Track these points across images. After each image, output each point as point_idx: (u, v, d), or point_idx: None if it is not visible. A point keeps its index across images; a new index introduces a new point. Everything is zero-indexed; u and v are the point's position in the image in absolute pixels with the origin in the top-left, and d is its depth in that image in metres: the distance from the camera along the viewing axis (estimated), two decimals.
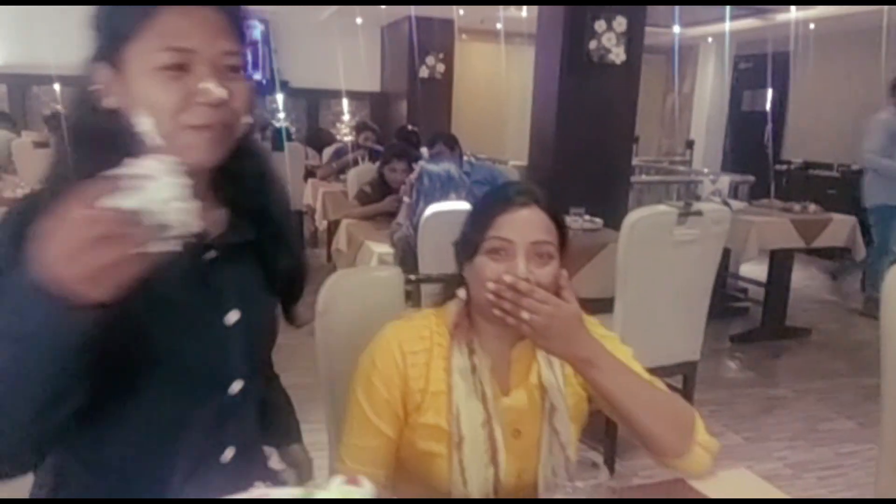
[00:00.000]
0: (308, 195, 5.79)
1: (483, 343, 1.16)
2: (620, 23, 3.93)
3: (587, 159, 3.99)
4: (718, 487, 1.07)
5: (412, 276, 1.38)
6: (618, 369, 1.06)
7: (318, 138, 7.53)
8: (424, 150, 4.17)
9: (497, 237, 1.12)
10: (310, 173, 6.30)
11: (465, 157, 4.08)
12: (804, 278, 5.54)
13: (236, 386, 0.94)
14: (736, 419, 3.19)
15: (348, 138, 7.30)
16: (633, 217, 2.44)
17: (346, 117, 8.86)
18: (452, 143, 4.02)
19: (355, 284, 1.35)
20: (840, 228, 4.16)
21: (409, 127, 5.36)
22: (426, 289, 1.77)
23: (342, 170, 5.58)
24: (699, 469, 1.06)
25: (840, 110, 7.18)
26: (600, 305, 2.88)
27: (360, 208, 3.75)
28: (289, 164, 5.92)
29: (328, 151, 6.35)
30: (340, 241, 3.61)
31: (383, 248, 2.88)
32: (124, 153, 0.77)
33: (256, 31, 8.32)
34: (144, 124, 0.83)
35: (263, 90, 8.47)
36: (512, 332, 1.11)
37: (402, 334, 1.15)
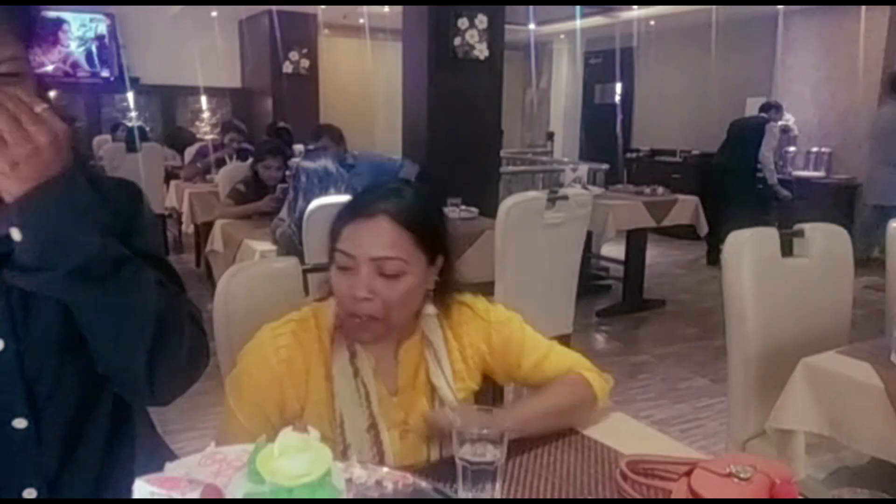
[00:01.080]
0: (171, 197, 5.52)
1: (364, 345, 1.12)
2: (482, 20, 4.10)
3: (459, 152, 4.13)
4: (600, 431, 1.19)
5: (306, 266, 1.39)
6: (536, 416, 1.12)
7: (177, 137, 7.17)
8: (299, 147, 4.13)
9: (340, 250, 1.07)
10: (170, 175, 6.01)
11: (347, 152, 4.07)
12: (656, 255, 6.04)
13: (20, 423, 0.86)
14: None
15: (210, 137, 7.02)
16: (508, 203, 2.59)
17: (206, 115, 8.50)
18: (338, 137, 4.00)
19: (253, 277, 1.34)
20: (685, 208, 4.60)
21: (281, 124, 5.25)
22: (314, 280, 1.79)
23: (208, 170, 5.38)
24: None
25: (680, 101, 7.88)
26: (483, 288, 3.02)
27: (236, 207, 3.65)
28: (144, 165, 5.60)
29: (190, 151, 6.08)
30: (216, 242, 3.50)
31: (265, 246, 2.85)
32: None
33: (101, 25, 7.79)
34: None
35: (112, 87, 7.95)
36: (355, 340, 1.10)
37: (279, 339, 1.09)
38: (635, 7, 6.90)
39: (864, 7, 5.93)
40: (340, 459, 1.05)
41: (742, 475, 0.95)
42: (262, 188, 3.67)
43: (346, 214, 1.09)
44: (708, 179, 6.18)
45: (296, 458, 0.52)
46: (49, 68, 7.51)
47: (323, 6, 7.35)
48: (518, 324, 1.24)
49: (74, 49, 7.72)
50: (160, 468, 1.03)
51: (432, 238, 1.10)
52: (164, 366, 0.85)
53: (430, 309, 1.16)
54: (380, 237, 1.06)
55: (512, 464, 1.04)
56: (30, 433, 0.86)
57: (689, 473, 1.00)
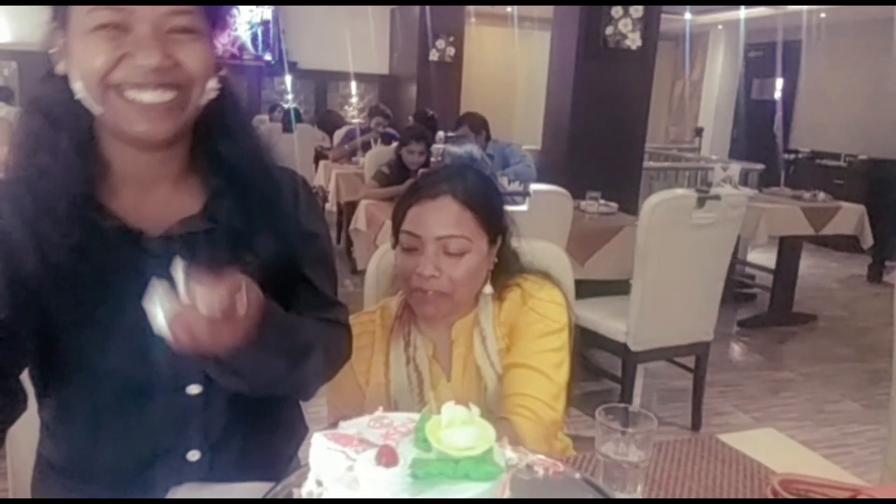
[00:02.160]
0: (320, 177, 5.83)
1: (423, 330, 1.18)
2: (637, 9, 3.96)
3: (601, 144, 4.03)
4: (748, 443, 1.12)
5: None
6: None
7: (327, 120, 7.56)
8: (441, 134, 4.21)
9: (406, 231, 1.11)
10: (320, 155, 6.34)
11: (490, 139, 4.13)
12: (810, 266, 5.61)
13: (194, 388, 0.91)
14: (744, 400, 3.26)
15: (356, 120, 7.31)
16: (654, 200, 2.50)
17: (355, 100, 8.87)
18: (478, 126, 4.05)
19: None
20: (849, 217, 4.22)
21: (429, 111, 5.40)
22: None
23: (354, 152, 5.62)
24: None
25: (849, 101, 7.22)
26: (616, 286, 2.96)
27: (380, 189, 3.80)
28: (298, 146, 5.97)
29: (339, 133, 6.38)
30: (359, 220, 3.66)
31: None
32: (73, 124, 0.80)
33: (267, 11, 8.32)
34: (79, 90, 0.79)
35: (272, 71, 8.48)
36: (419, 315, 1.15)
37: (353, 328, 1.10)
38: None
39: None
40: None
41: None
42: (404, 172, 3.79)
43: (410, 197, 1.13)
44: (879, 187, 5.62)
45: (462, 430, 0.54)
46: (219, 50, 8.13)
47: None
48: (541, 316, 1.15)
49: (242, 32, 8.32)
50: (295, 435, 1.14)
51: (493, 218, 1.14)
52: (315, 386, 0.98)
53: (488, 288, 1.17)
54: (444, 216, 1.09)
55: (654, 467, 1.02)
56: (201, 399, 0.91)
57: (851, 500, 0.93)
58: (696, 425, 2.88)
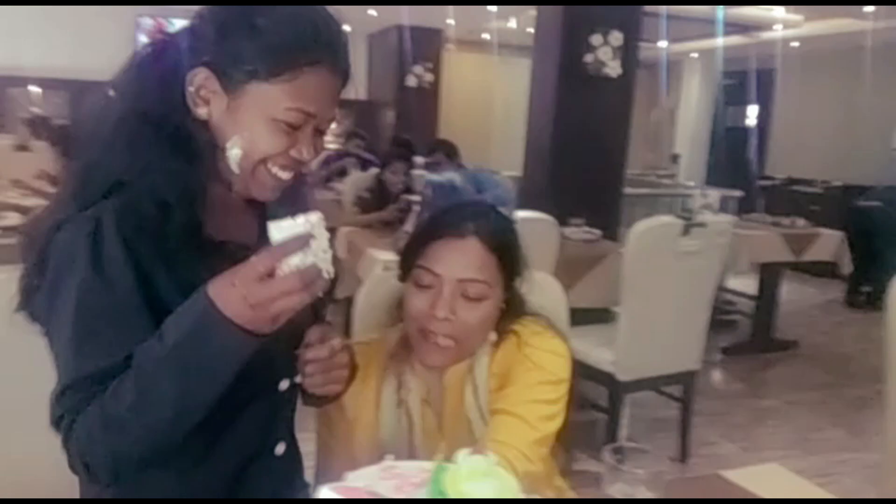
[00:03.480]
0: None
1: (417, 371, 1.10)
2: (617, 37, 4.00)
3: (583, 171, 4.03)
4: (753, 480, 1.09)
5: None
6: None
7: None
8: (420, 159, 4.18)
9: (423, 267, 1.04)
10: None
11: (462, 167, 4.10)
12: (789, 292, 5.64)
13: (284, 384, 0.96)
14: (731, 429, 3.23)
15: (333, 146, 7.26)
16: (641, 227, 2.48)
17: (333, 125, 8.83)
18: (451, 152, 4.03)
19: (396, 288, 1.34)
20: (828, 242, 4.25)
21: (405, 136, 5.38)
22: None
23: (330, 178, 5.56)
24: None
25: (823, 128, 7.36)
26: (599, 315, 2.92)
27: (362, 216, 3.74)
28: None
29: (317, 159, 6.32)
30: (339, 249, 3.59)
31: (387, 256, 2.87)
32: (194, 161, 0.86)
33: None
34: (234, 154, 0.86)
35: None
36: (422, 360, 1.07)
37: None
38: (779, 27, 6.52)
39: None
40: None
41: None
42: (385, 197, 3.74)
43: (432, 231, 1.06)
44: (854, 213, 5.70)
45: (484, 483, 0.49)
46: None
47: (451, 21, 7.46)
48: (537, 372, 1.06)
49: None
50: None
51: (514, 263, 1.09)
52: None
53: (492, 335, 1.11)
54: (469, 259, 1.03)
55: None
56: (291, 393, 0.98)
57: None
58: (683, 456, 2.83)
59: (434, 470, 0.53)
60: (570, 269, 3.04)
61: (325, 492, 0.52)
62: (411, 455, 1.07)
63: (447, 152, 4.01)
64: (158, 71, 0.86)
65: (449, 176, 2.91)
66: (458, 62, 8.69)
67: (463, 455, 0.52)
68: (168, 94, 0.85)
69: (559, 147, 4.05)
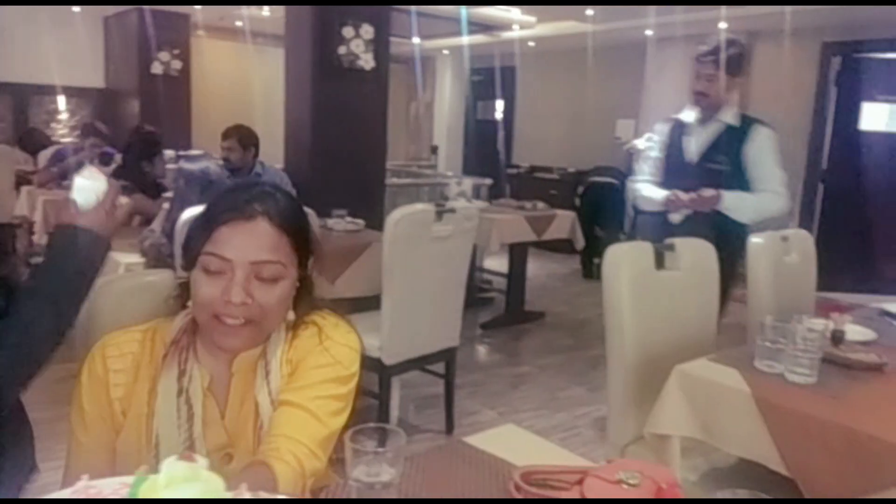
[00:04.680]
0: (23, 205, 5.04)
1: (201, 358, 1.07)
2: (367, 30, 4.07)
3: (344, 162, 4.06)
4: (491, 441, 1.18)
5: (181, 278, 1.28)
6: None
7: (30, 140, 6.57)
8: (169, 153, 3.89)
9: (213, 253, 1.00)
10: (22, 180, 5.48)
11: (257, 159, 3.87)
12: (535, 268, 6.24)
13: None
14: (490, 397, 3.50)
15: (68, 140, 6.48)
16: (396, 215, 2.56)
17: (65, 116, 7.85)
18: (248, 142, 3.73)
19: (122, 292, 1.23)
20: (563, 222, 4.77)
21: (147, 127, 4.93)
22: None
23: (64, 175, 4.96)
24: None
25: (557, 120, 8.22)
26: (367, 303, 2.97)
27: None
28: None
29: (45, 154, 5.58)
30: None
31: (130, 258, 2.64)
32: None
33: None
34: None
35: None
36: (218, 346, 1.05)
37: (109, 349, 1.05)
38: (515, 28, 7.13)
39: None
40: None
41: (631, 481, 0.98)
42: (149, 188, 3.40)
43: (217, 216, 1.02)
44: (584, 194, 6.49)
45: (184, 489, 0.46)
46: None
47: (198, 6, 7.02)
48: (331, 356, 1.08)
49: None
50: (23, 470, 0.99)
51: (305, 242, 1.09)
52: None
53: (291, 315, 1.11)
54: (260, 240, 1.01)
55: (407, 482, 1.01)
56: None
57: (580, 482, 1.01)
58: (449, 428, 3.00)
59: (133, 483, 0.50)
60: (334, 261, 3.06)
61: None
62: (191, 446, 1.02)
63: (242, 140, 3.72)
64: None
65: (203, 165, 2.76)
66: (209, 49, 8.20)
67: (167, 462, 0.49)
68: None
69: (318, 138, 4.03)
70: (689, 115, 2.76)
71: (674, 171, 2.74)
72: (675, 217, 2.65)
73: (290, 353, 1.09)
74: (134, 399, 1.04)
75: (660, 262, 1.99)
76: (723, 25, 5.43)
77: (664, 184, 2.74)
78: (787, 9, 5.24)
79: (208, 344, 1.06)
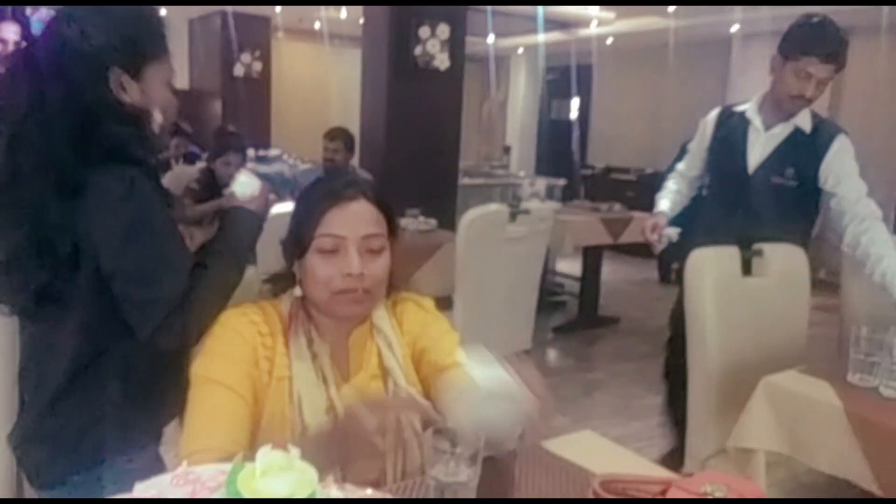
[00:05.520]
0: None
1: (320, 333, 1.17)
2: (444, 30, 4.09)
3: (417, 162, 4.09)
4: (568, 447, 1.16)
5: (264, 276, 1.32)
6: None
7: None
8: (251, 152, 4.02)
9: (327, 234, 1.11)
10: None
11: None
12: (610, 272, 6.12)
13: None
14: (562, 402, 3.44)
15: None
16: (470, 215, 2.56)
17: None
18: (351, 143, 3.82)
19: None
20: (640, 225, 4.63)
21: (230, 128, 5.11)
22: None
23: None
24: None
25: (635, 119, 8.03)
26: (439, 304, 2.98)
27: (197, 207, 3.49)
28: None
29: None
30: None
31: None
32: None
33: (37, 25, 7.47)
34: None
35: None
36: (348, 320, 1.16)
37: (244, 318, 1.13)
38: (593, 24, 7.01)
39: None
40: (298, 441, 1.02)
41: (717, 494, 0.94)
42: (215, 188, 3.52)
43: (324, 201, 1.13)
44: None
45: (280, 478, 0.48)
46: None
47: (278, 8, 7.22)
48: (450, 328, 1.26)
49: None
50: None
51: (393, 217, 1.20)
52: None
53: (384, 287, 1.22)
54: (365, 216, 1.13)
55: (482, 484, 0.99)
56: None
57: (663, 493, 0.97)
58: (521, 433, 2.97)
59: (231, 470, 0.51)
60: (408, 259, 3.08)
61: None
62: (331, 406, 1.11)
63: (347, 142, 3.82)
64: None
65: (277, 168, 2.84)
66: (288, 51, 8.45)
67: (262, 451, 0.50)
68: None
69: (393, 138, 4.08)
70: (753, 112, 2.21)
71: (722, 179, 2.27)
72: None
73: (405, 326, 1.23)
74: (277, 361, 1.12)
75: (746, 268, 1.90)
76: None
77: (711, 196, 2.33)
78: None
79: (324, 320, 1.16)
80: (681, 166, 2.48)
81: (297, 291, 1.17)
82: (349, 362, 1.18)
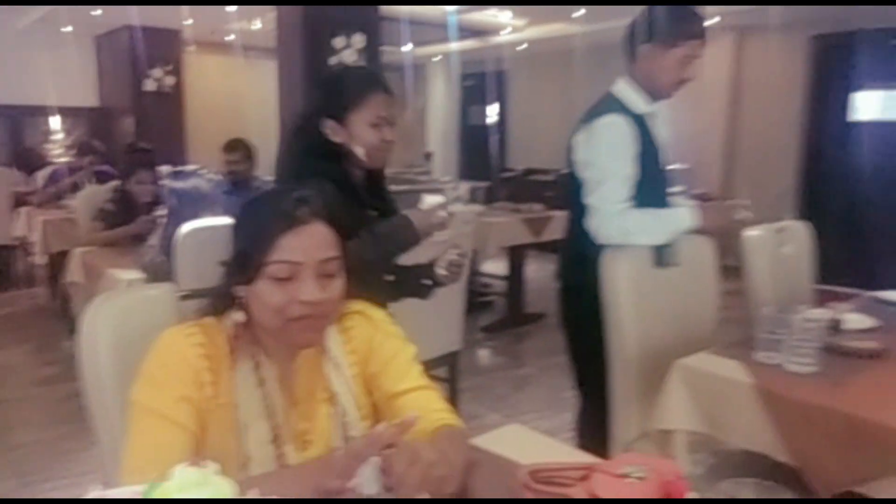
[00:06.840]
0: (21, 226, 5.06)
1: (268, 355, 1.12)
2: (359, 39, 4.08)
3: None
4: (496, 441, 1.20)
5: (182, 292, 1.29)
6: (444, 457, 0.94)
7: (26, 160, 6.59)
8: (165, 168, 3.89)
9: (283, 261, 1.04)
10: (20, 201, 5.51)
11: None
12: (534, 270, 6.25)
13: None
14: (494, 400, 3.50)
15: (64, 159, 6.51)
16: None
17: (60, 136, 7.86)
18: (252, 154, 4.01)
19: (122, 307, 1.23)
20: (560, 223, 4.76)
21: (141, 144, 4.94)
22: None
23: (61, 195, 4.99)
24: None
25: (551, 122, 8.22)
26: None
27: (107, 232, 3.37)
28: None
29: (43, 175, 5.61)
30: (74, 272, 3.21)
31: (132, 275, 2.64)
32: None
33: None
34: None
35: None
36: (301, 347, 1.11)
37: (193, 337, 1.06)
38: (505, 32, 7.15)
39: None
40: (239, 473, 1.01)
41: (636, 475, 0.98)
42: (132, 209, 3.42)
43: (275, 223, 1.06)
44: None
45: (196, 493, 0.47)
46: None
47: (190, 20, 7.03)
48: (403, 343, 1.22)
49: None
50: None
51: (344, 232, 1.15)
52: None
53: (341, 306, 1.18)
54: (321, 239, 1.07)
55: None
56: None
57: (586, 478, 1.02)
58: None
59: (145, 490, 0.51)
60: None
61: None
62: (278, 434, 1.09)
63: (247, 153, 3.95)
64: None
65: (193, 182, 2.76)
66: (201, 65, 8.22)
67: (179, 468, 0.50)
68: None
69: None
70: (640, 106, 2.16)
71: (650, 177, 2.12)
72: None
73: (351, 345, 1.17)
74: (221, 387, 1.06)
75: (658, 259, 2.00)
76: (715, 20, 5.48)
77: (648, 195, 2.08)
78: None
79: (272, 343, 1.11)
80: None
81: (240, 316, 1.09)
82: (297, 386, 1.13)
